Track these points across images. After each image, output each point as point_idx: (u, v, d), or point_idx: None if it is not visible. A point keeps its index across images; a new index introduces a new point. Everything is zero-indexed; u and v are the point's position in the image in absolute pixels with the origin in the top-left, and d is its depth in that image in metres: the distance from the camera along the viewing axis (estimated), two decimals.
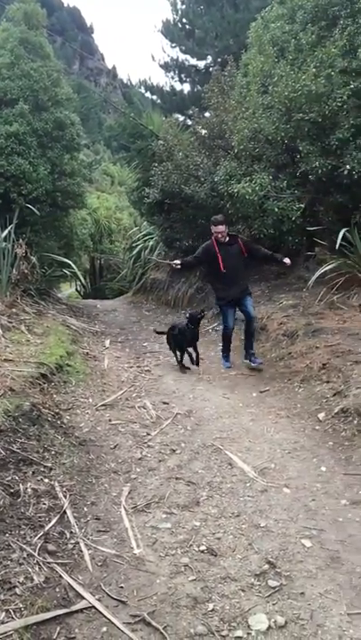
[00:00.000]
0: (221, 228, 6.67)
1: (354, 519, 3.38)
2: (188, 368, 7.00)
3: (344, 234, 7.25)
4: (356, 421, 4.48)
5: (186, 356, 7.07)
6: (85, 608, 2.63)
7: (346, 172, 6.94)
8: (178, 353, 7.14)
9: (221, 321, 7.31)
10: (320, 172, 7.19)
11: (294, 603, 2.67)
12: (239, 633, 2.50)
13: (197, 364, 6.96)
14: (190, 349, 6.99)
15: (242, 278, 6.82)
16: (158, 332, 8.34)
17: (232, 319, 6.87)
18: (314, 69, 7.11)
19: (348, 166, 6.87)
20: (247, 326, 6.80)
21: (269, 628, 2.52)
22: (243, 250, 6.74)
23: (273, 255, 6.98)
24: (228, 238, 6.73)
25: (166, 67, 20.60)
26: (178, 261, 6.94)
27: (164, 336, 7.80)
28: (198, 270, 10.76)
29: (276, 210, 7.62)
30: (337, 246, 7.25)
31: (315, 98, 7.09)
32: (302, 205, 7.60)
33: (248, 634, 2.49)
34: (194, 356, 6.97)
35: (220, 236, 6.66)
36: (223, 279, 6.69)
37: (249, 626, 2.54)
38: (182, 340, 6.99)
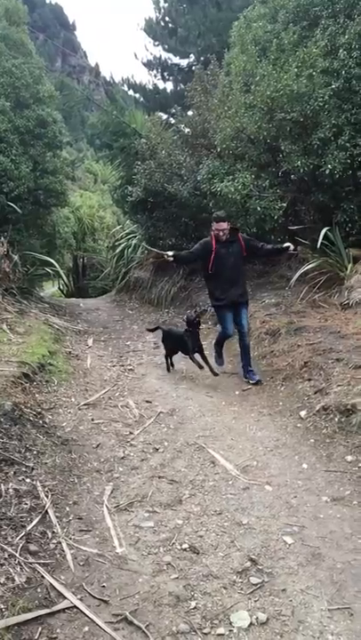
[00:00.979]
0: (224, 225, 6.14)
1: (335, 515, 3.41)
2: (201, 367, 6.36)
3: (325, 233, 7.31)
4: (337, 419, 4.51)
5: (187, 362, 6.63)
6: (67, 608, 2.62)
7: (327, 172, 6.99)
8: (170, 360, 6.90)
9: (218, 325, 6.79)
10: (302, 171, 7.24)
11: (276, 599, 2.69)
12: (221, 630, 2.51)
13: (213, 372, 6.36)
14: (197, 356, 6.42)
15: (242, 280, 6.37)
16: (149, 330, 8.14)
17: (230, 324, 6.33)
18: (296, 69, 7.15)
19: (329, 166, 6.92)
20: (241, 341, 6.29)
21: (251, 624, 2.53)
22: (243, 248, 6.24)
23: (277, 248, 6.48)
24: (228, 236, 6.21)
25: (149, 65, 20.57)
26: (171, 253, 6.42)
27: (152, 333, 7.81)
28: (182, 269, 10.77)
29: (259, 209, 7.66)
30: (318, 245, 7.31)
31: (296, 97, 7.13)
32: (284, 204, 7.65)
33: (230, 631, 2.51)
34: (203, 362, 6.37)
35: (221, 234, 6.14)
36: (219, 280, 6.23)
37: (231, 623, 2.55)
38: (183, 346, 6.54)
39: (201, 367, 6.31)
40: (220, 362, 6.66)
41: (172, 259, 6.40)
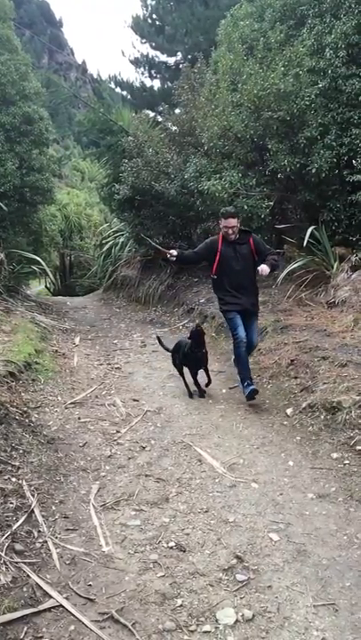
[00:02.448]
0: (233, 221, 5.42)
1: (320, 512, 3.44)
2: (204, 391, 5.83)
3: (312, 231, 7.35)
4: (322, 416, 4.54)
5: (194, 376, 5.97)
6: (53, 607, 2.62)
7: (314, 171, 7.03)
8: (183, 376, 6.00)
9: (229, 333, 5.85)
10: (289, 170, 7.27)
11: (262, 596, 2.71)
12: (207, 627, 2.52)
13: (205, 386, 5.87)
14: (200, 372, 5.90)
15: (252, 288, 5.64)
16: (161, 343, 6.74)
17: (242, 327, 5.47)
18: (282, 68, 7.18)
19: (315, 165, 6.96)
20: (247, 348, 5.58)
21: (237, 621, 2.55)
22: (254, 252, 5.49)
23: (269, 256, 5.55)
24: (238, 235, 5.51)
25: (136, 62, 20.55)
26: (174, 252, 5.56)
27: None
28: (170, 267, 10.76)
29: (246, 207, 7.67)
30: (305, 244, 7.35)
31: (283, 96, 7.16)
32: (271, 203, 7.67)
33: (216, 628, 2.52)
34: (203, 381, 5.89)
35: (230, 232, 5.43)
36: (225, 285, 5.51)
37: (217, 620, 2.56)
38: (188, 363, 5.90)
39: (202, 395, 5.75)
40: (251, 386, 5.31)
41: (174, 259, 5.59)
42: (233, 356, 5.86)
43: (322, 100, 7.06)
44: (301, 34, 7.58)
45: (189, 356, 5.81)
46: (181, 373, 5.99)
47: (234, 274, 5.49)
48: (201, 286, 9.61)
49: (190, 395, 5.75)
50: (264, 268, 5.27)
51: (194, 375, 5.88)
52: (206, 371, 5.89)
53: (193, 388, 5.85)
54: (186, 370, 5.97)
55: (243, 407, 5.32)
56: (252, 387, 5.26)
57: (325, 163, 6.91)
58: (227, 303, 5.59)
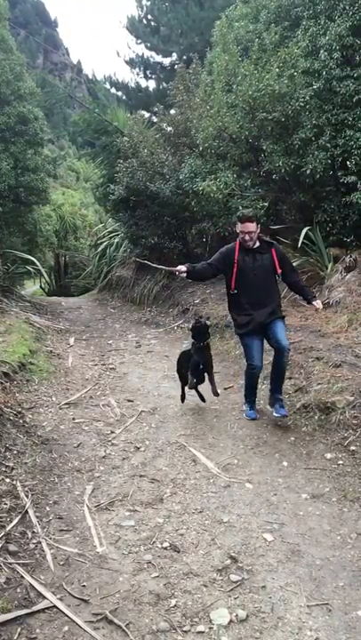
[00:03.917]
0: (250, 226, 4.72)
1: (314, 513, 3.45)
2: (204, 400, 5.33)
3: (306, 232, 7.37)
4: (316, 417, 4.56)
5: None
6: (47, 608, 2.61)
7: (308, 172, 7.04)
8: (190, 379, 5.16)
9: (243, 356, 5.24)
10: (283, 171, 7.28)
11: (256, 596, 2.71)
12: (201, 628, 2.52)
13: (213, 391, 5.14)
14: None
15: (271, 298, 4.84)
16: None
17: (259, 355, 4.84)
18: (277, 69, 7.19)
19: (310, 166, 6.98)
20: (276, 359, 4.77)
21: (231, 621, 2.55)
22: (276, 264, 4.81)
23: (304, 290, 5.04)
24: (258, 243, 4.82)
25: (132, 63, 20.54)
26: (183, 268, 4.75)
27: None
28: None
29: (241, 208, 7.67)
30: (299, 244, 7.36)
31: (278, 97, 7.17)
32: (266, 204, 7.68)
33: (210, 628, 2.52)
34: (201, 394, 5.29)
35: (247, 237, 4.73)
36: (242, 300, 4.83)
37: (211, 620, 2.56)
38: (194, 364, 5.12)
39: (203, 399, 5.31)
40: (253, 413, 5.08)
41: (184, 275, 4.83)
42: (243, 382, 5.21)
43: (316, 101, 7.08)
44: (296, 35, 7.59)
45: (192, 356, 5.10)
46: (184, 380, 5.32)
47: (252, 288, 4.75)
48: (196, 287, 9.62)
49: (183, 398, 5.40)
50: (320, 304, 4.91)
51: (194, 375, 5.10)
52: (211, 378, 5.13)
53: (186, 390, 5.37)
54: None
55: (237, 408, 5.33)
56: (252, 412, 5.05)
57: (320, 164, 6.92)
58: (240, 325, 4.89)
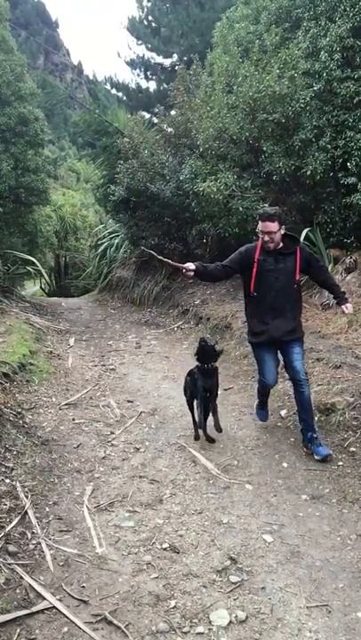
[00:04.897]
0: (271, 226, 4.19)
1: (314, 514, 3.45)
2: (212, 440, 4.54)
3: (307, 234, 7.37)
4: (316, 418, 4.55)
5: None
6: (46, 609, 2.61)
7: (308, 173, 7.04)
8: (197, 412, 4.61)
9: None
10: (283, 172, 7.28)
11: (255, 597, 2.71)
12: (200, 629, 2.52)
13: (216, 426, 4.52)
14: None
15: (291, 309, 4.36)
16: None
17: (272, 370, 4.42)
18: (278, 70, 7.19)
19: (310, 167, 6.98)
20: (297, 395, 4.31)
21: (230, 623, 2.55)
22: (298, 266, 4.29)
23: (334, 289, 4.52)
24: (281, 245, 4.30)
25: (132, 64, 20.54)
26: (191, 266, 4.24)
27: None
28: (165, 268, 10.74)
29: (241, 209, 7.69)
30: None
31: (278, 99, 7.17)
32: (266, 205, 7.67)
33: (209, 629, 2.52)
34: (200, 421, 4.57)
35: (266, 238, 4.22)
36: (259, 306, 4.36)
37: (210, 621, 2.56)
38: (198, 389, 4.55)
39: (199, 433, 4.59)
40: (263, 414, 4.84)
41: (191, 274, 4.28)
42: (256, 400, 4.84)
43: (317, 102, 7.08)
44: (297, 36, 7.60)
45: (195, 381, 4.55)
46: (191, 407, 4.73)
47: (271, 294, 4.28)
48: (196, 287, 9.62)
49: (197, 435, 4.57)
50: (350, 307, 4.41)
51: (198, 406, 4.55)
52: (214, 408, 4.55)
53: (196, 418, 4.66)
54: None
55: (237, 409, 5.33)
56: (263, 411, 4.80)
57: (320, 165, 6.93)
58: (254, 333, 4.46)
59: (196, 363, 4.57)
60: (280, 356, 4.52)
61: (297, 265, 4.28)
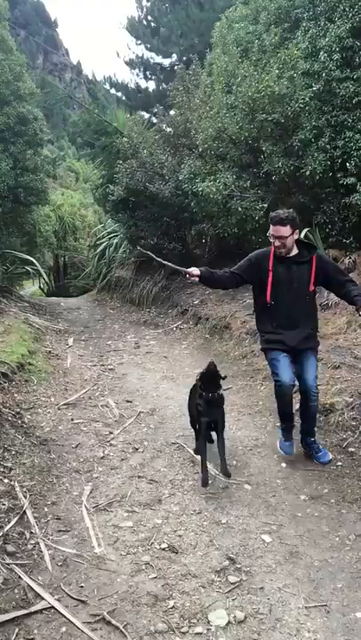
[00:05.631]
0: (282, 230, 3.92)
1: (313, 514, 3.45)
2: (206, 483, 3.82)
3: (306, 234, 7.36)
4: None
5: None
6: (45, 609, 2.61)
7: (308, 173, 7.04)
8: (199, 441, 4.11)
9: (270, 374, 4.39)
10: (283, 172, 7.28)
11: (254, 597, 2.71)
12: (199, 629, 2.51)
13: (223, 470, 3.91)
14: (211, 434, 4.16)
15: (306, 319, 4.08)
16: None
17: (287, 369, 3.96)
18: (277, 70, 7.19)
19: (309, 167, 6.97)
20: (303, 401, 4.07)
21: (229, 623, 2.55)
22: (313, 277, 3.97)
23: (355, 299, 3.89)
24: (296, 252, 4.04)
25: (131, 64, 20.56)
26: (195, 271, 3.97)
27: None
28: (164, 269, 10.73)
29: (240, 209, 7.68)
30: None
31: (278, 99, 7.17)
32: (265, 205, 7.67)
33: (208, 629, 2.52)
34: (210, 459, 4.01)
35: (277, 243, 3.95)
36: (273, 315, 4.08)
37: (209, 622, 2.56)
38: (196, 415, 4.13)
39: (205, 483, 3.80)
40: (288, 445, 4.15)
41: (196, 279, 4.02)
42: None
43: (316, 102, 7.08)
44: (296, 37, 7.59)
45: (198, 407, 4.02)
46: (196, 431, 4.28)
47: (284, 305, 3.99)
48: (195, 287, 9.61)
49: (204, 481, 3.80)
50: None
51: (201, 437, 4.04)
52: (221, 444, 3.96)
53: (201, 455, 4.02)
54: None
55: (236, 409, 5.32)
56: (289, 443, 4.11)
57: (319, 165, 6.92)
58: (268, 340, 4.16)
59: (201, 390, 3.98)
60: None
61: (312, 275, 3.95)
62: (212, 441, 4.20)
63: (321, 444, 4.19)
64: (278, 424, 4.32)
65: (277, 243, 3.95)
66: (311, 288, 4.01)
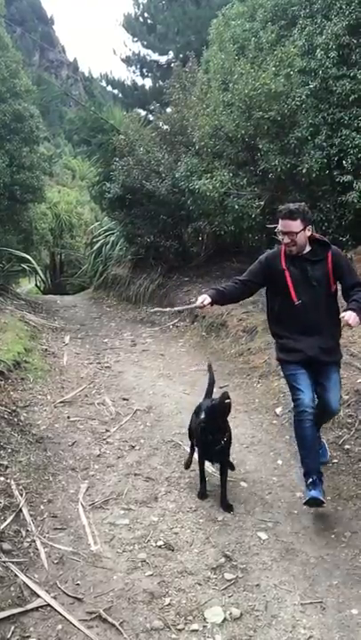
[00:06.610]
0: (293, 225, 3.48)
1: (308, 511, 3.45)
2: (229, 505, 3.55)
3: None
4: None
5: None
6: (41, 606, 2.61)
7: (304, 171, 7.04)
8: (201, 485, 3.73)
9: (290, 394, 3.79)
10: (279, 170, 7.27)
11: (250, 594, 2.72)
12: (195, 626, 2.52)
13: (223, 504, 3.54)
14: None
15: (328, 326, 3.58)
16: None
17: (308, 388, 3.50)
18: (273, 68, 7.18)
19: (306, 165, 6.97)
20: (320, 414, 3.58)
21: (225, 620, 2.56)
22: (331, 274, 3.54)
23: (349, 304, 3.39)
24: (308, 249, 3.60)
25: (128, 61, 20.54)
26: (207, 299, 3.56)
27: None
28: (160, 266, 10.73)
29: (237, 207, 7.67)
30: None
31: (274, 96, 7.16)
32: (262, 203, 7.68)
33: (204, 627, 2.52)
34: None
35: (286, 240, 3.52)
36: (288, 322, 3.63)
37: (205, 619, 2.57)
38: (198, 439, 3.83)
39: (202, 495, 3.66)
40: (315, 495, 3.28)
41: (209, 305, 3.61)
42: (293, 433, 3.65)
43: (313, 100, 7.07)
44: (293, 34, 7.58)
45: (201, 436, 3.70)
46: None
47: (300, 309, 3.52)
48: (191, 285, 9.61)
49: (202, 493, 3.66)
50: (351, 317, 3.23)
51: (201, 463, 3.74)
52: (224, 472, 3.65)
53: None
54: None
55: (233, 407, 5.31)
56: (313, 491, 3.28)
57: (316, 163, 6.92)
58: (283, 348, 3.68)
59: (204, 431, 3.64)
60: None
61: (330, 273, 3.52)
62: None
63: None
64: (299, 468, 3.53)
65: (287, 239, 3.50)
66: (333, 288, 3.57)
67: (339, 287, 3.62)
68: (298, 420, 3.45)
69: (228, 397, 3.58)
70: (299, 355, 3.54)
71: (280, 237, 3.58)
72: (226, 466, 3.68)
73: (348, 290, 3.51)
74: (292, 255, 3.56)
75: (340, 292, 3.65)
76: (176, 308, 4.12)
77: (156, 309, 4.90)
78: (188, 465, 4.02)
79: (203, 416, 3.63)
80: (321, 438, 3.86)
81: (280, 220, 3.56)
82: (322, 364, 3.55)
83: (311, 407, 3.42)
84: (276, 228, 3.71)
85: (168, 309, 4.24)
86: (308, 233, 3.55)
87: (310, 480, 3.33)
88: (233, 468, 3.87)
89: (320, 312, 3.53)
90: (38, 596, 2.66)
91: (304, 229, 3.49)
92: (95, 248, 13.97)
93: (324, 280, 3.52)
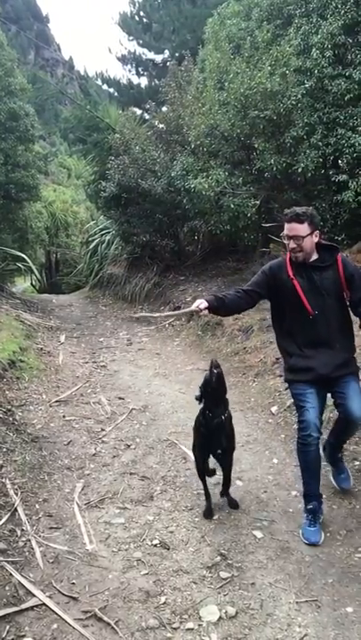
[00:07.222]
0: (299, 229, 3.22)
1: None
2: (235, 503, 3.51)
3: None
4: None
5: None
6: (36, 606, 2.61)
7: (300, 170, 7.05)
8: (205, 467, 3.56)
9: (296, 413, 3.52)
10: (275, 169, 7.29)
11: (245, 593, 2.72)
12: (190, 625, 2.52)
13: (224, 494, 3.56)
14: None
15: (340, 338, 3.29)
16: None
17: (315, 412, 3.19)
18: (269, 67, 7.19)
19: (301, 164, 6.98)
20: (343, 425, 3.38)
21: (220, 618, 2.55)
22: (343, 278, 3.24)
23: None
24: (316, 256, 3.32)
25: (124, 60, 20.51)
26: (203, 303, 3.22)
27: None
28: (156, 265, 10.72)
29: (232, 206, 7.68)
30: None
31: (270, 96, 7.17)
32: (258, 202, 7.69)
33: (199, 625, 2.52)
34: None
35: (292, 245, 3.24)
36: (298, 336, 3.34)
37: (200, 617, 2.57)
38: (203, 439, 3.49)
39: (222, 491, 3.56)
40: (314, 532, 3.17)
41: (206, 312, 3.28)
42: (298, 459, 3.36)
43: (308, 99, 7.08)
44: (288, 33, 7.59)
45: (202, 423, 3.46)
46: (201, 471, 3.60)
47: (308, 320, 3.23)
48: (187, 284, 9.62)
49: (208, 512, 3.41)
50: None
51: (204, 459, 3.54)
52: (228, 465, 3.52)
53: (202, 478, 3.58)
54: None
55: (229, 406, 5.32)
56: (311, 528, 3.16)
57: (311, 162, 6.93)
58: (293, 369, 3.36)
59: (202, 409, 3.46)
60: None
61: (341, 280, 3.24)
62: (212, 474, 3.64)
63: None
64: (303, 499, 3.30)
65: (293, 244, 3.23)
66: (346, 295, 3.27)
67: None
68: (301, 443, 3.22)
69: (218, 366, 3.35)
70: (310, 374, 3.26)
71: (285, 242, 3.32)
72: (229, 456, 3.47)
73: (359, 303, 3.24)
74: (298, 263, 3.28)
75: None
76: (166, 314, 3.80)
77: (141, 314, 4.54)
78: (209, 514, 3.42)
79: (203, 406, 3.41)
80: (342, 461, 3.66)
81: (286, 224, 3.30)
82: (335, 379, 3.26)
83: (316, 430, 3.15)
84: (271, 226, 3.57)
85: (157, 314, 3.94)
86: (316, 239, 3.28)
87: (310, 506, 3.21)
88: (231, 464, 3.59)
89: (331, 324, 3.25)
90: (33, 596, 2.66)
91: (311, 234, 3.24)
92: (91, 247, 13.96)
93: (333, 288, 3.25)
